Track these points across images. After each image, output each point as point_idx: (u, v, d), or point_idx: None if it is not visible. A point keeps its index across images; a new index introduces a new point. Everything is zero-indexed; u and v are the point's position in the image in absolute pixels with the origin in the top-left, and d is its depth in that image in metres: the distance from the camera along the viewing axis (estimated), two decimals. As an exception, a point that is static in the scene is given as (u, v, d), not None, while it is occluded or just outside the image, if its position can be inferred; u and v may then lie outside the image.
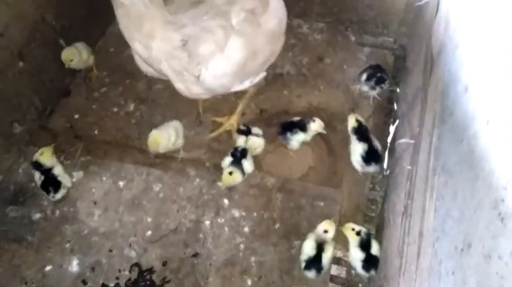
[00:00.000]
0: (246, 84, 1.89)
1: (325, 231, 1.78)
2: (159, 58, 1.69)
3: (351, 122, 2.05)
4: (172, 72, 1.73)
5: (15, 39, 1.96)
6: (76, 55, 2.19)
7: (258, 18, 1.78)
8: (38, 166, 1.94)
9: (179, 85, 1.75)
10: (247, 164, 1.97)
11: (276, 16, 1.86)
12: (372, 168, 2.00)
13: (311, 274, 1.75)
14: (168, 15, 1.66)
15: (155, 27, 1.62)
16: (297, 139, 2.06)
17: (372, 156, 1.97)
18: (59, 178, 1.95)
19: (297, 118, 2.09)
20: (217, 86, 1.79)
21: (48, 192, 1.93)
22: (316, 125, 2.07)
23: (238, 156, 1.96)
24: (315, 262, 1.74)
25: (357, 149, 2.00)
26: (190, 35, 1.66)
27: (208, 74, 1.70)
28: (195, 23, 1.69)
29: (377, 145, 2.02)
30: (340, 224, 1.89)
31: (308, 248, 1.76)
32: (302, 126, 2.06)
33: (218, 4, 1.74)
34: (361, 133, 2.01)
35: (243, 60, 1.74)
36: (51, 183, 1.93)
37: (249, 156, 1.98)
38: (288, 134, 2.06)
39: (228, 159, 1.97)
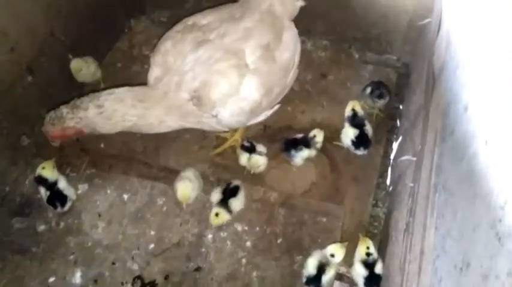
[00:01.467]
0: (260, 118, 1.92)
1: (332, 255, 1.76)
2: (179, 125, 1.81)
3: (348, 109, 2.13)
4: (192, 124, 1.81)
5: (25, 54, 2.01)
6: (84, 66, 2.24)
7: (273, 53, 1.77)
8: (41, 180, 1.95)
9: (200, 126, 1.83)
10: (236, 203, 1.92)
11: (288, 49, 1.86)
12: (360, 152, 2.09)
13: None
14: (163, 88, 1.71)
15: (161, 113, 1.73)
16: (301, 156, 2.08)
17: (361, 141, 2.07)
18: (65, 192, 1.97)
19: (299, 135, 2.11)
20: (234, 124, 1.83)
21: (55, 207, 1.95)
22: (320, 138, 2.09)
23: (227, 194, 1.92)
24: (315, 280, 1.74)
25: (349, 133, 2.08)
26: (197, 87, 1.68)
27: (225, 113, 1.72)
28: (203, 67, 1.68)
29: (368, 129, 2.10)
30: (341, 240, 1.89)
31: (311, 266, 1.75)
32: (306, 143, 2.08)
33: (227, 42, 1.72)
34: (355, 122, 2.10)
35: (260, 99, 1.75)
36: (57, 198, 1.95)
37: (240, 194, 1.94)
38: (293, 151, 2.07)
39: (217, 196, 1.94)
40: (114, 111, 1.68)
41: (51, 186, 1.95)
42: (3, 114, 1.96)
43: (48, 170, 1.96)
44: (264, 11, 1.84)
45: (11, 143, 2.03)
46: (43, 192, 1.96)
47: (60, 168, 2.10)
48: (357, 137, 2.06)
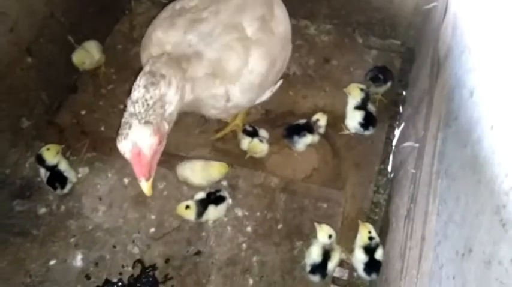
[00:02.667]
0: (267, 94, 1.88)
1: (330, 236, 1.76)
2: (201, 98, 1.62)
3: (354, 94, 2.11)
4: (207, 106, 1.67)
5: (24, 35, 1.98)
6: (87, 57, 2.20)
7: (270, 25, 1.74)
8: (41, 161, 1.94)
9: (212, 112, 1.74)
10: (213, 212, 1.88)
11: (282, 22, 1.83)
12: (369, 132, 2.10)
13: (315, 278, 1.75)
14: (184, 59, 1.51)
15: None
16: (304, 142, 2.06)
17: (369, 121, 2.08)
18: (65, 173, 1.96)
19: (302, 121, 2.10)
20: (245, 101, 1.75)
21: (55, 188, 1.94)
22: (323, 121, 2.08)
23: (211, 199, 1.89)
24: (320, 267, 1.73)
25: (355, 116, 2.08)
26: (212, 58, 1.57)
27: (236, 91, 1.65)
28: (206, 44, 1.59)
29: (371, 107, 2.11)
30: (342, 225, 1.89)
31: (314, 255, 1.74)
32: (309, 129, 2.06)
33: (222, 19, 1.65)
34: (359, 104, 2.09)
35: (266, 70, 1.71)
36: (57, 179, 1.95)
37: (222, 205, 1.90)
38: (295, 137, 2.05)
39: (201, 195, 1.91)
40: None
41: (52, 167, 1.94)
42: (2, 96, 1.95)
43: (51, 153, 1.95)
44: None
45: (10, 126, 2.02)
46: (43, 173, 1.96)
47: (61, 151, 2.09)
48: (364, 118, 2.06)
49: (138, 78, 1.43)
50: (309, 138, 2.06)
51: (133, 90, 1.42)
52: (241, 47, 1.63)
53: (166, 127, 1.45)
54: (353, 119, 2.09)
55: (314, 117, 2.08)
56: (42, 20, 2.05)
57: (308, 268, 1.75)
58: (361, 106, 2.09)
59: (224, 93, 1.66)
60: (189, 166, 1.96)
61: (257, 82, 1.70)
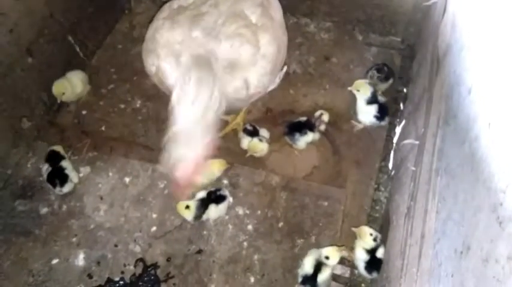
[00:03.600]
0: (276, 82, 1.88)
1: (327, 257, 1.72)
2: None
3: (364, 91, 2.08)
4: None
5: (24, 35, 1.98)
6: (68, 88, 2.10)
7: (269, 12, 1.75)
8: (53, 154, 1.98)
9: (237, 105, 1.77)
10: (214, 211, 1.88)
11: (278, 8, 1.85)
12: (385, 122, 2.11)
13: None
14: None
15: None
16: (305, 140, 2.06)
17: (384, 112, 2.08)
18: (66, 171, 1.97)
19: (303, 118, 2.09)
20: (262, 87, 1.74)
21: (54, 185, 1.94)
22: (326, 117, 2.09)
23: (212, 198, 1.88)
24: (311, 279, 1.72)
25: (370, 111, 2.06)
26: (223, 51, 1.58)
27: (254, 78, 1.65)
28: (213, 36, 1.59)
29: (381, 98, 2.10)
30: (343, 223, 1.90)
31: (307, 265, 1.73)
32: (310, 126, 2.06)
33: (224, 10, 1.65)
34: (370, 99, 2.07)
35: (276, 54, 1.71)
36: (58, 175, 1.95)
37: (223, 204, 1.90)
38: (297, 135, 2.05)
39: (202, 194, 1.91)
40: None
41: (57, 161, 1.96)
42: (3, 97, 1.95)
43: (59, 147, 2.01)
44: None
45: (11, 126, 2.03)
46: (44, 169, 1.96)
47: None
48: (379, 111, 2.06)
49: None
50: (310, 136, 2.06)
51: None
52: (251, 33, 1.63)
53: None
54: (367, 114, 2.08)
55: (317, 113, 2.09)
56: (41, 20, 2.06)
57: (299, 279, 1.75)
58: (373, 100, 2.07)
59: (243, 83, 1.65)
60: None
61: (269, 68, 1.70)
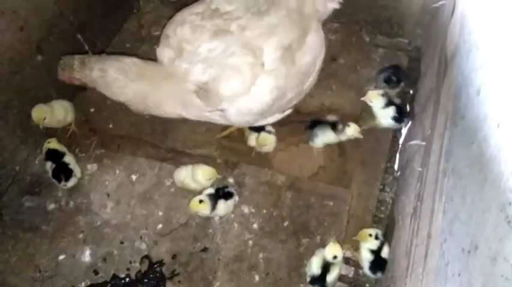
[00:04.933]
0: (269, 120, 1.86)
1: (335, 257, 1.71)
2: (177, 114, 1.76)
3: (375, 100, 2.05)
4: (192, 116, 1.75)
5: (34, 33, 2.00)
6: (48, 113, 2.02)
7: (294, 55, 1.66)
8: (51, 153, 1.98)
9: (199, 119, 1.79)
10: (222, 207, 1.88)
11: (311, 52, 1.75)
12: (405, 123, 2.07)
13: None
14: (167, 69, 1.68)
15: (159, 97, 1.70)
16: (322, 139, 2.04)
17: (402, 113, 2.05)
18: (70, 166, 1.98)
19: (332, 118, 2.07)
20: (241, 122, 1.78)
21: (59, 180, 1.96)
22: (351, 130, 2.01)
23: (220, 194, 1.89)
24: (319, 280, 1.72)
25: (388, 112, 2.03)
26: (206, 80, 1.62)
27: (232, 111, 1.66)
28: (216, 60, 1.61)
29: (397, 100, 2.08)
30: (348, 223, 1.90)
31: (314, 266, 1.73)
32: (333, 127, 2.02)
33: (247, 37, 1.62)
34: (386, 103, 2.04)
35: (271, 103, 1.68)
36: (62, 170, 1.96)
37: (231, 201, 1.91)
38: (315, 131, 2.04)
39: (209, 191, 1.91)
40: (114, 80, 1.67)
41: (59, 158, 1.97)
42: (13, 94, 1.98)
43: (54, 143, 2.00)
44: (292, 8, 1.71)
45: (21, 123, 2.05)
46: (49, 166, 1.98)
47: (70, 148, 2.12)
48: (397, 112, 2.03)
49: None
50: (331, 137, 2.03)
51: None
52: (250, 73, 1.60)
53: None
54: (386, 116, 2.05)
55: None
56: (51, 18, 2.08)
57: (308, 279, 1.75)
58: (388, 103, 2.05)
59: (219, 116, 1.71)
60: (183, 170, 1.94)
61: (256, 111, 1.69)
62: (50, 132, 2.15)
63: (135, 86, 1.69)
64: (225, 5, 1.73)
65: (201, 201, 1.84)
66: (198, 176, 1.89)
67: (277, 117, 1.88)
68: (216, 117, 1.75)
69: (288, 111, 1.90)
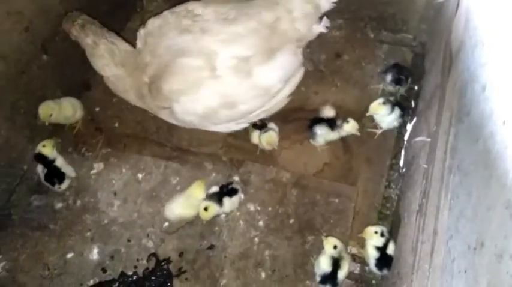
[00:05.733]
0: (220, 128, 1.85)
1: (335, 247, 1.73)
2: (139, 104, 1.85)
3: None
4: (148, 109, 1.82)
5: (40, 33, 2.02)
6: (55, 109, 2.04)
7: (252, 68, 1.64)
8: (40, 158, 1.97)
9: (155, 114, 1.83)
10: (229, 204, 1.89)
11: (278, 72, 1.71)
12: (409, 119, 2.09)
13: None
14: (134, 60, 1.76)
15: (127, 84, 1.79)
16: (323, 136, 2.05)
17: (406, 113, 2.08)
18: (62, 169, 1.99)
19: (330, 115, 2.07)
20: (186, 121, 1.77)
21: (53, 184, 1.98)
22: (349, 127, 2.02)
23: (224, 191, 1.90)
24: (330, 278, 1.72)
25: (393, 118, 2.04)
26: (155, 75, 1.67)
27: (178, 109, 1.69)
28: (171, 57, 1.64)
29: (400, 101, 2.12)
30: (354, 220, 1.90)
31: (324, 265, 1.72)
32: (332, 125, 2.03)
33: (206, 40, 1.63)
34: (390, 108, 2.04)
35: (215, 108, 1.68)
36: (55, 175, 1.98)
37: (236, 196, 1.92)
38: (316, 129, 2.04)
39: (214, 189, 1.92)
40: (101, 56, 1.77)
41: (49, 163, 1.97)
42: (20, 94, 1.99)
43: (48, 148, 1.98)
44: (265, 23, 1.68)
45: (28, 123, 2.07)
46: (40, 170, 1.99)
47: (76, 147, 2.14)
48: (402, 110, 2.05)
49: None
50: (329, 135, 2.04)
51: None
52: (194, 75, 1.62)
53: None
54: (393, 119, 2.05)
55: (348, 119, 2.02)
56: (56, 18, 2.08)
57: (318, 278, 1.74)
58: (392, 107, 2.04)
59: (169, 113, 1.75)
60: (174, 202, 1.91)
61: (201, 112, 1.70)
62: (56, 131, 2.17)
63: (114, 69, 1.78)
64: (199, 8, 1.75)
65: (206, 208, 1.84)
66: (195, 196, 1.89)
67: (229, 127, 1.87)
68: (164, 116, 1.80)
69: (244, 125, 1.87)
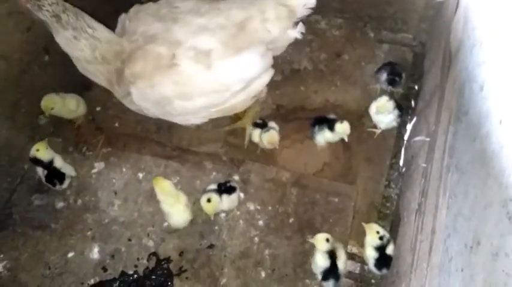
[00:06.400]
0: (178, 119, 1.82)
1: (327, 240, 1.74)
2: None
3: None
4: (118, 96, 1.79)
5: (41, 33, 2.02)
6: (58, 103, 2.05)
7: (212, 61, 1.62)
8: (37, 162, 1.97)
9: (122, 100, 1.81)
10: (227, 201, 1.89)
11: (239, 69, 1.68)
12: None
13: (329, 284, 1.74)
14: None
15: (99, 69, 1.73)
16: (322, 136, 2.04)
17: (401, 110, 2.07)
18: (62, 170, 2.00)
19: (332, 116, 2.07)
20: (145, 110, 1.76)
21: (54, 185, 1.99)
22: (341, 128, 1.98)
23: (222, 189, 1.90)
24: (331, 271, 1.72)
25: (391, 117, 2.04)
26: (127, 59, 1.66)
27: (135, 93, 1.67)
28: (140, 44, 1.65)
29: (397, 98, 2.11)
30: (353, 219, 1.91)
31: (321, 260, 1.73)
32: (330, 125, 2.01)
33: (175, 30, 1.64)
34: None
35: (169, 96, 1.66)
36: (55, 176, 1.99)
37: (234, 194, 1.91)
38: (316, 129, 2.05)
39: (212, 186, 1.93)
40: (80, 50, 1.67)
41: (48, 165, 1.97)
42: (21, 93, 2.01)
43: (42, 151, 1.97)
44: (234, 20, 1.67)
45: (29, 122, 2.08)
46: (40, 172, 2.00)
47: (77, 147, 2.15)
48: (401, 113, 2.06)
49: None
50: (327, 135, 2.03)
51: None
52: (154, 61, 1.61)
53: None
54: (391, 119, 2.05)
55: (342, 121, 1.98)
56: (58, 18, 2.09)
57: (320, 276, 1.74)
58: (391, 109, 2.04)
59: (130, 102, 1.74)
60: (174, 215, 1.89)
61: (154, 98, 1.68)
62: (57, 130, 2.18)
63: (92, 60, 1.69)
64: (178, 1, 1.76)
65: (209, 200, 1.83)
66: (164, 190, 1.86)
67: (187, 120, 1.83)
68: (127, 102, 1.77)
69: (204, 120, 1.85)
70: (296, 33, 1.74)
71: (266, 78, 1.79)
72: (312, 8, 1.74)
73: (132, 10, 1.81)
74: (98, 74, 1.75)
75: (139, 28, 1.71)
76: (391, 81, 2.14)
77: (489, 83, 1.03)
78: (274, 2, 1.68)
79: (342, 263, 1.73)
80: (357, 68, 2.36)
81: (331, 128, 2.01)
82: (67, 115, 2.16)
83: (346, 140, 2.01)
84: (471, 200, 0.97)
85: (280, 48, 1.82)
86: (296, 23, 1.74)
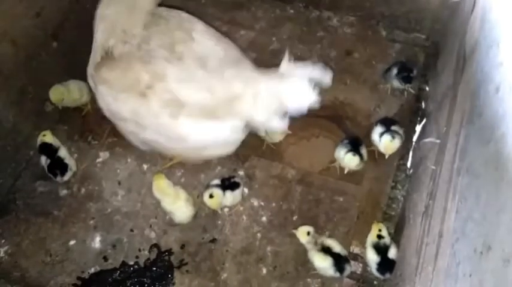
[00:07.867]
0: (145, 147, 1.81)
1: (308, 233, 1.75)
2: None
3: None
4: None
5: (50, 20, 2.02)
6: (65, 93, 2.05)
7: (180, 114, 1.56)
8: (45, 147, 1.96)
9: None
10: (230, 197, 1.87)
11: (197, 134, 1.61)
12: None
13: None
14: None
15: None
16: (350, 159, 1.91)
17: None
18: (66, 161, 1.99)
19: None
20: (106, 112, 1.75)
21: (55, 175, 1.97)
22: (349, 160, 1.88)
23: (226, 185, 1.88)
24: (338, 259, 1.72)
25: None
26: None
27: (100, 92, 1.67)
28: (139, 52, 1.62)
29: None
30: (358, 219, 1.89)
31: (319, 260, 1.72)
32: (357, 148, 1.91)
33: (170, 67, 1.57)
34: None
35: (126, 117, 1.65)
36: (58, 166, 1.97)
37: (238, 190, 1.90)
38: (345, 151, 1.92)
39: (216, 181, 1.91)
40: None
41: (53, 153, 1.97)
42: (28, 80, 2.00)
43: (49, 137, 1.98)
44: (227, 93, 1.57)
45: (35, 109, 2.08)
46: (44, 161, 1.98)
47: (82, 135, 2.14)
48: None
49: None
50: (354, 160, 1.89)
51: None
52: (130, 80, 1.58)
53: None
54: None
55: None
56: (68, 5, 2.09)
57: (332, 270, 1.72)
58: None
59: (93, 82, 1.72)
60: (177, 212, 1.88)
61: (111, 107, 1.67)
62: (63, 118, 2.17)
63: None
64: (199, 33, 1.70)
65: (211, 195, 1.82)
66: (162, 188, 1.87)
67: (148, 144, 1.78)
68: (97, 97, 1.75)
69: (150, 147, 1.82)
70: (278, 123, 1.63)
71: (226, 151, 1.78)
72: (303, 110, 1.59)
73: (161, 13, 1.73)
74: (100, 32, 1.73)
75: (151, 39, 1.64)
76: (404, 78, 2.09)
77: (506, 84, 1.00)
78: (273, 94, 1.56)
79: (337, 248, 1.73)
80: (367, 67, 2.32)
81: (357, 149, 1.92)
82: (72, 104, 2.15)
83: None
84: (482, 204, 0.94)
85: (259, 126, 1.75)
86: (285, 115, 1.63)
